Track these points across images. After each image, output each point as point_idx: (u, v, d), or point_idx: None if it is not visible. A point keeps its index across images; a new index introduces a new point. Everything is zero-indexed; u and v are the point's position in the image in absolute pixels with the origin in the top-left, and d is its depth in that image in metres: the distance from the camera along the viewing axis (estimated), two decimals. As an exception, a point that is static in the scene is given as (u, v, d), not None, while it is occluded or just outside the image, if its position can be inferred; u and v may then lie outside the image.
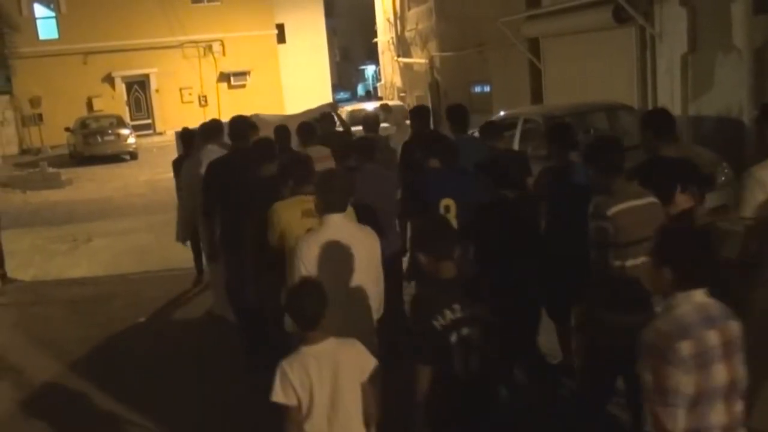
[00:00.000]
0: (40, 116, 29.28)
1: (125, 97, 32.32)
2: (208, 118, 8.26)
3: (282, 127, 7.65)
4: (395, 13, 27.69)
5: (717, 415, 2.57)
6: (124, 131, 25.51)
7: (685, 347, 2.48)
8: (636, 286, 3.40)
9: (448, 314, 3.10)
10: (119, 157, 24.77)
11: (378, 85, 35.22)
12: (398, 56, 27.79)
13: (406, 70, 27.22)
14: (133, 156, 25.04)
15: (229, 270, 6.19)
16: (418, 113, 7.71)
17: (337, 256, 3.77)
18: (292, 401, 3.10)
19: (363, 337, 3.36)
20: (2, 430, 5.61)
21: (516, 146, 9.38)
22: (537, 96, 16.49)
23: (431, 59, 23.70)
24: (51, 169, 20.98)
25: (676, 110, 11.78)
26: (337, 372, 3.11)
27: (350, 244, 3.82)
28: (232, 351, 6.18)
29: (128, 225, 13.25)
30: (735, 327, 2.63)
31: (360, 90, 53.59)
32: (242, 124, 6.52)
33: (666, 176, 3.77)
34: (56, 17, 31.39)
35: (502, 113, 11.40)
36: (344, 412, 3.14)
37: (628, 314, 3.29)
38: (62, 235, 12.74)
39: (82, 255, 11.25)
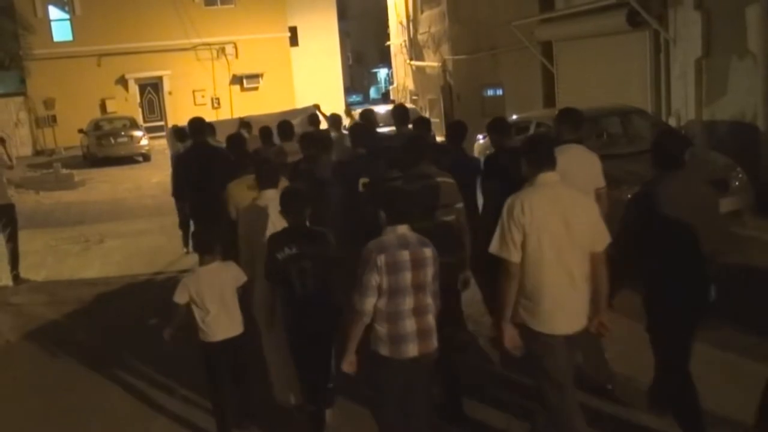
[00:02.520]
0: (54, 118, 29.49)
1: (138, 99, 32.42)
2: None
3: (266, 128, 9.03)
4: (408, 17, 27.65)
5: (407, 302, 3.89)
6: (137, 133, 25.55)
7: (381, 258, 3.80)
8: (444, 235, 4.69)
9: (287, 250, 4.48)
10: (132, 158, 24.83)
11: (390, 88, 35.21)
12: (411, 59, 27.76)
13: (419, 73, 27.20)
14: (146, 158, 25.10)
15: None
16: (363, 116, 9.67)
17: (268, 216, 5.09)
18: (183, 301, 4.75)
19: None
20: (11, 430, 5.65)
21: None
22: (550, 100, 16.43)
23: (444, 62, 23.66)
24: (64, 171, 21.06)
25: (690, 115, 11.73)
26: (222, 282, 4.79)
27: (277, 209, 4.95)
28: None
29: (140, 226, 13.30)
30: (426, 251, 3.94)
31: (373, 93, 53.66)
32: (199, 124, 7.97)
33: None
34: (70, 19, 31.52)
35: (514, 117, 11.33)
36: (227, 306, 4.80)
37: (441, 256, 4.13)
38: (75, 236, 12.81)
39: (94, 256, 11.30)
